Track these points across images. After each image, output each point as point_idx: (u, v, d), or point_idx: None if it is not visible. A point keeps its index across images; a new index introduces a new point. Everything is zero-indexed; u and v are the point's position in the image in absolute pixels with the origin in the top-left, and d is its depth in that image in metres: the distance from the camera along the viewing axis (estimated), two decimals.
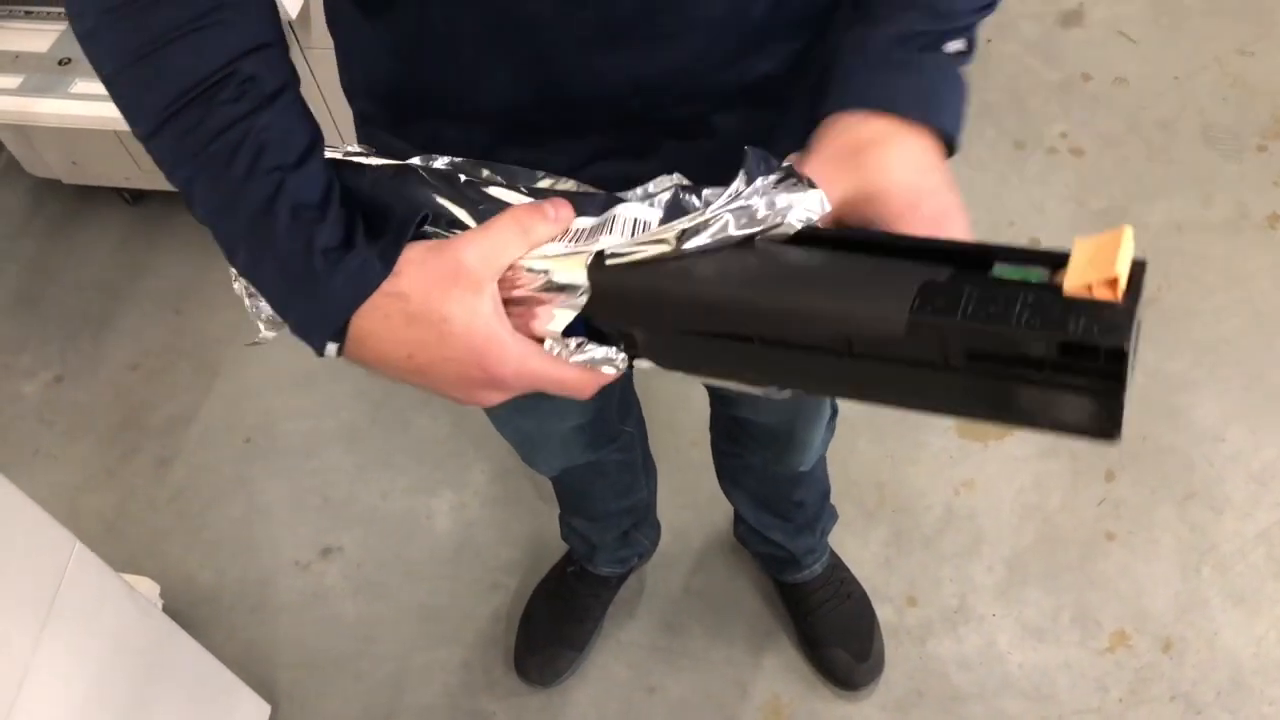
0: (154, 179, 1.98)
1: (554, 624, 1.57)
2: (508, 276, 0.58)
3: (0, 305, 2.05)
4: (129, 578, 1.27)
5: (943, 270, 0.50)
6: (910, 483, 1.71)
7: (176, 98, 0.56)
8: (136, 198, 2.12)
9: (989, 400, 0.50)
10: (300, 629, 1.65)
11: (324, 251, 0.57)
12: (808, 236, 0.56)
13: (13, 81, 1.67)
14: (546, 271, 0.58)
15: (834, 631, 1.53)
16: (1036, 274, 0.49)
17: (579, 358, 0.59)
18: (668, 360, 0.61)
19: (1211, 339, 1.80)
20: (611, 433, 1.23)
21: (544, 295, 0.58)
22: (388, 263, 0.57)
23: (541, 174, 0.67)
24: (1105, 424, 0.48)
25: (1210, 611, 1.57)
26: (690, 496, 1.67)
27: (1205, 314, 1.84)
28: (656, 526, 1.59)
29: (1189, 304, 1.85)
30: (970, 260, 0.50)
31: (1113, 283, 0.46)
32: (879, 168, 0.57)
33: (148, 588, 1.56)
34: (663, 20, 0.63)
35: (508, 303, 0.58)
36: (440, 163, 0.65)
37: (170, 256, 2.06)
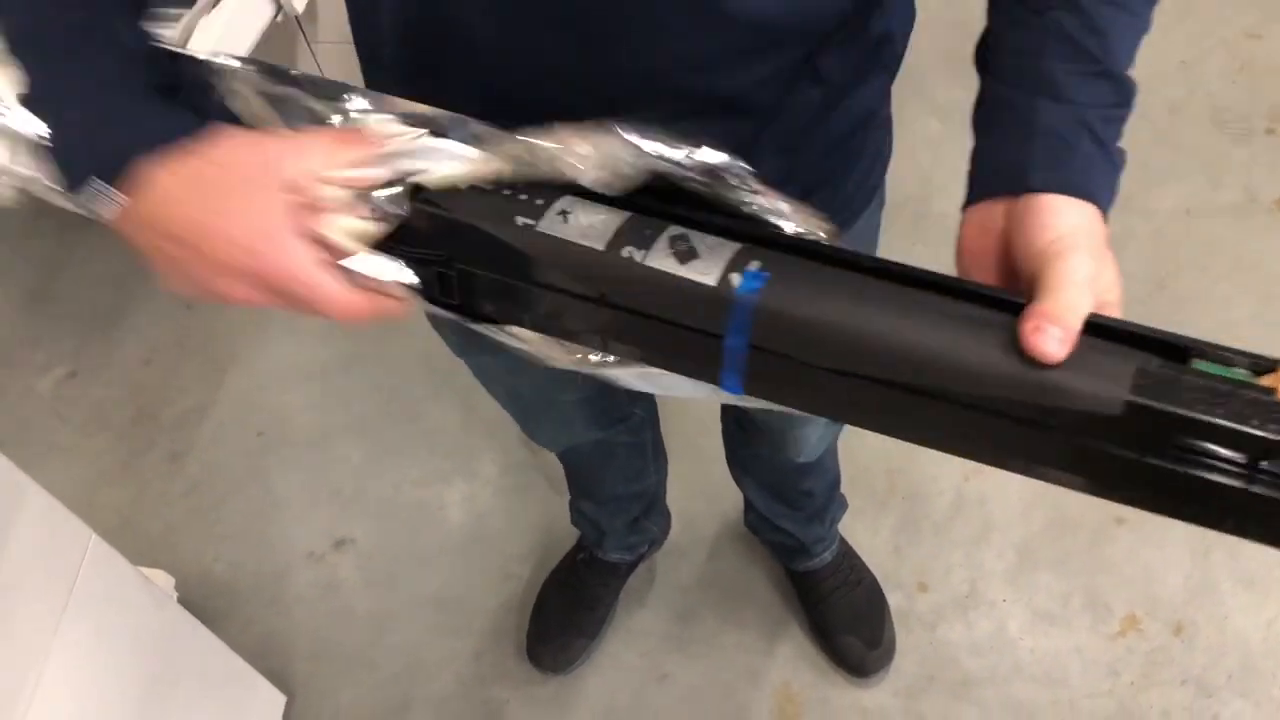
0: None
1: (566, 612, 1.58)
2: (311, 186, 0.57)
3: (14, 302, 2.06)
4: (144, 571, 1.28)
5: (1148, 356, 0.49)
6: (920, 470, 1.72)
7: None
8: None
9: (1173, 492, 0.48)
10: (314, 620, 1.66)
11: (151, 88, 0.58)
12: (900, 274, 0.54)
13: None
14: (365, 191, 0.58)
15: (845, 619, 1.54)
16: (1241, 374, 0.48)
17: (357, 265, 0.57)
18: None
19: (1221, 323, 1.80)
20: (619, 412, 1.23)
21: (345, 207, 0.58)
22: (203, 125, 0.58)
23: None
24: None
25: (1220, 596, 1.57)
26: (701, 486, 1.68)
27: (1214, 298, 1.83)
28: (666, 515, 1.60)
29: (1198, 288, 1.84)
30: (1166, 349, 0.50)
31: None
32: (1044, 220, 0.54)
33: (163, 581, 1.58)
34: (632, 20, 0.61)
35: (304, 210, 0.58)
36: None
37: None
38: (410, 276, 0.59)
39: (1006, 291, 0.53)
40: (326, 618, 1.66)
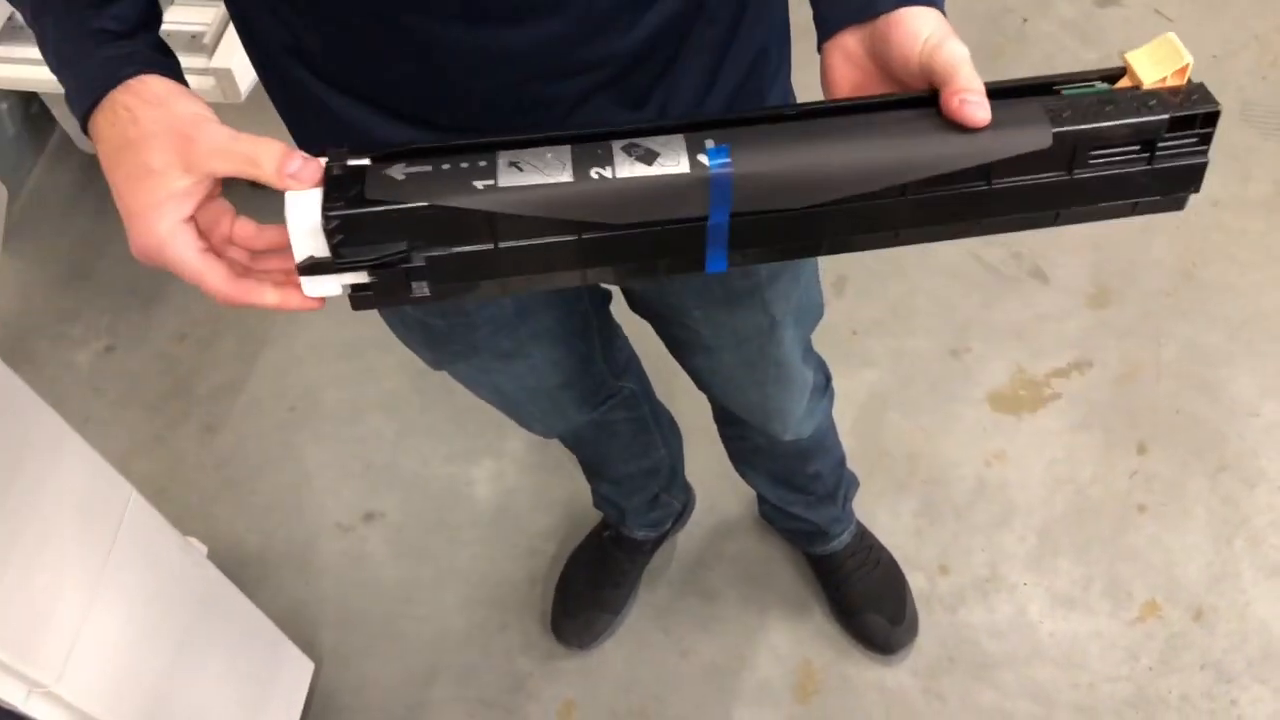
0: None
1: (590, 588, 1.61)
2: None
3: (54, 278, 2.11)
4: None
5: (1029, 98, 0.58)
6: (942, 454, 1.73)
7: None
8: None
9: (1100, 192, 0.59)
10: (343, 590, 1.70)
11: (97, 32, 0.63)
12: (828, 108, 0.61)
13: None
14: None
15: (867, 597, 1.55)
16: (1102, 87, 0.59)
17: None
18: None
19: (1248, 314, 1.81)
20: (605, 390, 1.23)
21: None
22: (143, 68, 0.62)
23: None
24: (1191, 185, 0.60)
25: (1242, 583, 1.58)
26: (723, 464, 1.69)
27: (1243, 289, 1.84)
28: (688, 489, 1.62)
29: (1226, 279, 1.85)
30: (1039, 90, 0.59)
31: (1183, 71, 0.58)
32: (907, 30, 0.60)
33: (196, 548, 1.61)
34: None
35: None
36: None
37: None
38: (348, 281, 0.60)
39: (910, 93, 0.60)
40: (355, 588, 1.70)
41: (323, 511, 1.77)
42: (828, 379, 1.29)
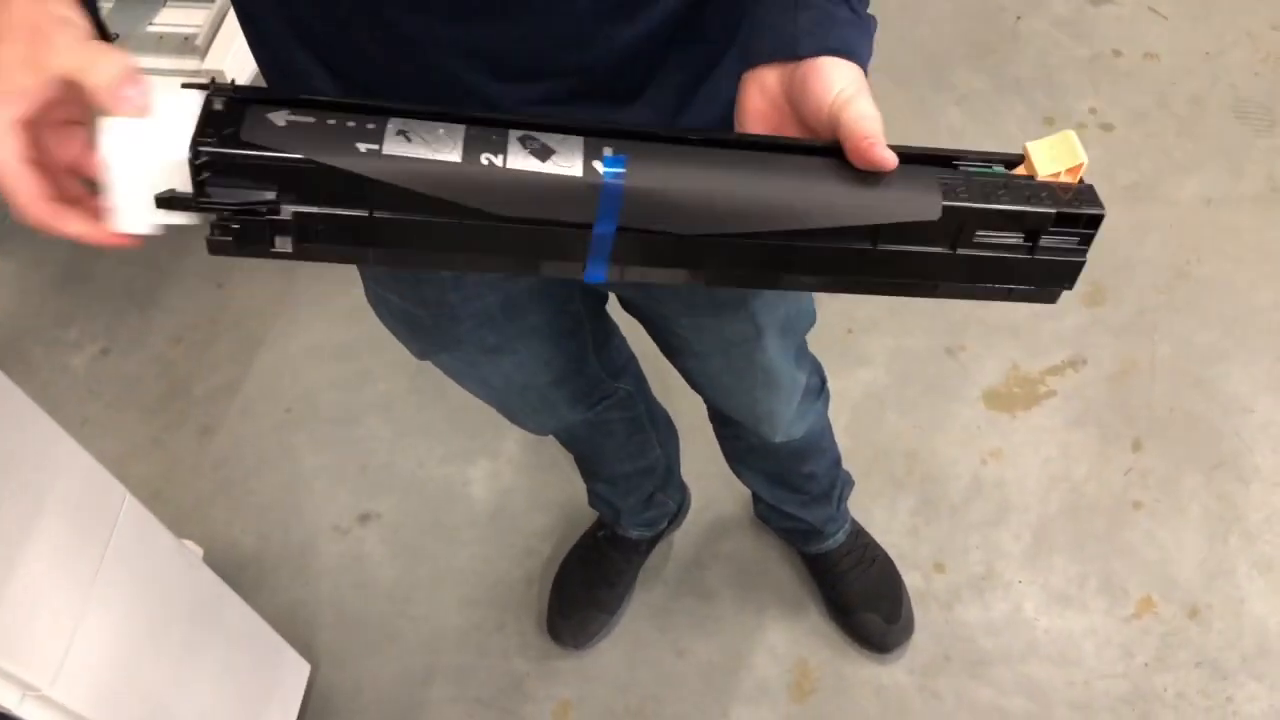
0: None
1: (586, 588, 1.61)
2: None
3: (50, 281, 2.11)
4: None
5: (927, 168, 0.60)
6: (938, 453, 1.73)
7: None
8: None
9: (979, 273, 0.61)
10: (340, 592, 1.70)
11: None
12: (714, 140, 0.60)
13: None
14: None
15: (863, 596, 1.55)
16: (999, 170, 0.61)
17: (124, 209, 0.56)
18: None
19: (1242, 311, 1.81)
20: (599, 390, 1.23)
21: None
22: None
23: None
24: (1066, 281, 0.61)
25: (1237, 579, 1.58)
26: (719, 464, 1.69)
27: (1236, 286, 1.84)
28: (683, 489, 1.62)
29: (1219, 277, 1.85)
30: (938, 161, 0.61)
31: (1077, 169, 0.60)
32: (823, 80, 0.60)
33: (192, 550, 1.61)
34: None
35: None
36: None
37: None
38: (180, 222, 0.56)
39: (817, 141, 0.60)
40: (351, 589, 1.70)
41: (319, 513, 1.78)
42: (823, 381, 1.29)
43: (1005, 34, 2.22)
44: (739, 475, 1.50)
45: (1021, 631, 1.57)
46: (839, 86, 0.59)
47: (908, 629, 1.55)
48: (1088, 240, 0.60)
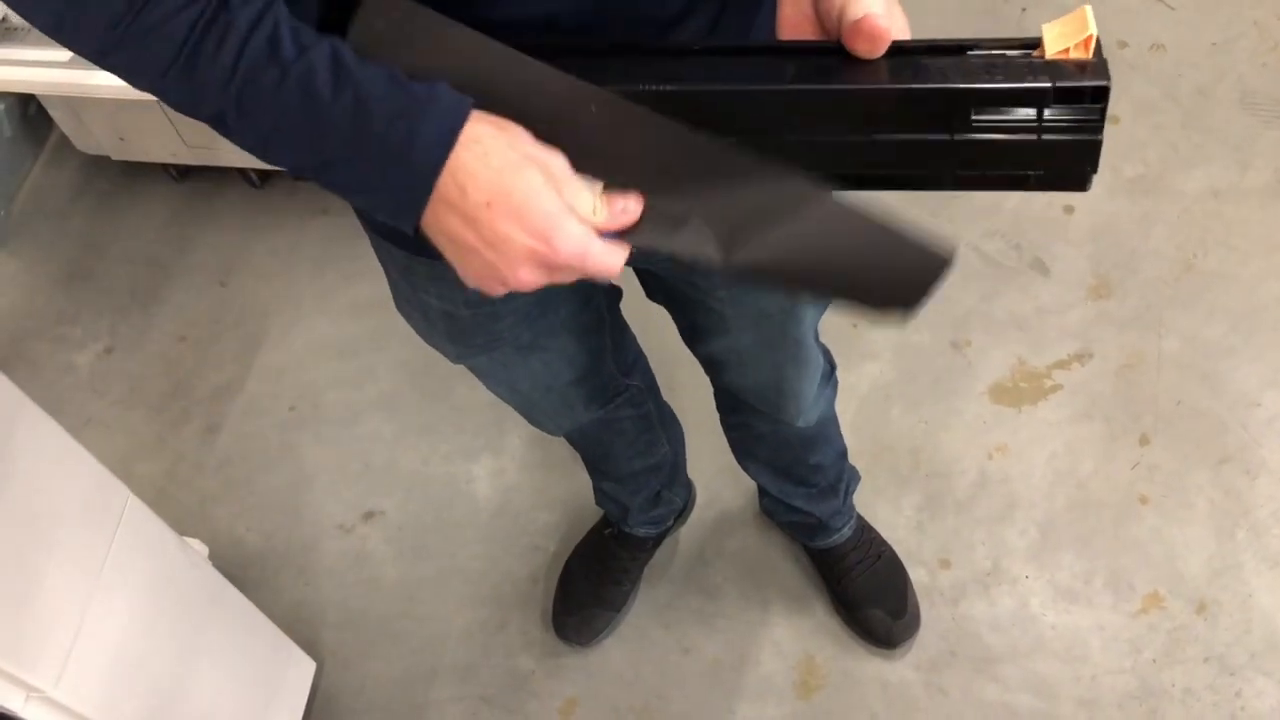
0: (199, 155, 2.03)
1: (591, 585, 1.60)
2: None
3: (53, 279, 2.11)
4: None
5: (938, 57, 0.58)
6: (944, 448, 1.72)
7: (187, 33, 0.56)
8: (183, 174, 2.17)
9: (986, 159, 0.58)
10: (344, 590, 1.69)
11: (394, 76, 0.58)
12: (767, 48, 0.61)
13: (64, 54, 1.72)
14: None
15: (869, 592, 1.55)
16: (1012, 55, 0.58)
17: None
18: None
19: (1249, 305, 1.80)
20: (613, 387, 1.24)
21: None
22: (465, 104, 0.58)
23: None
24: (1087, 167, 0.58)
25: (1244, 575, 1.57)
26: (724, 460, 1.69)
27: (1243, 280, 1.83)
28: (689, 486, 1.61)
29: (1226, 270, 1.84)
30: (951, 51, 0.58)
31: (1087, 42, 0.56)
32: None
33: (197, 549, 1.61)
34: None
35: None
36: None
37: (216, 231, 2.11)
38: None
39: (824, 42, 0.60)
40: (355, 588, 1.70)
41: (323, 511, 1.77)
42: (833, 367, 1.29)
43: (1011, 25, 2.20)
44: (745, 468, 1.49)
45: (1028, 627, 1.56)
46: None
47: (914, 625, 1.55)
48: (1098, 115, 0.56)
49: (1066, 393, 1.75)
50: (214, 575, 1.35)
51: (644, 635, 1.61)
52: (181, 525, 1.72)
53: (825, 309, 1.13)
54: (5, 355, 1.98)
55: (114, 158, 2.13)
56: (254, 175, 2.10)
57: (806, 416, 1.25)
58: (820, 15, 0.61)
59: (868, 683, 1.55)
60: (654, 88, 0.58)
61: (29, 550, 0.97)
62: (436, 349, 1.04)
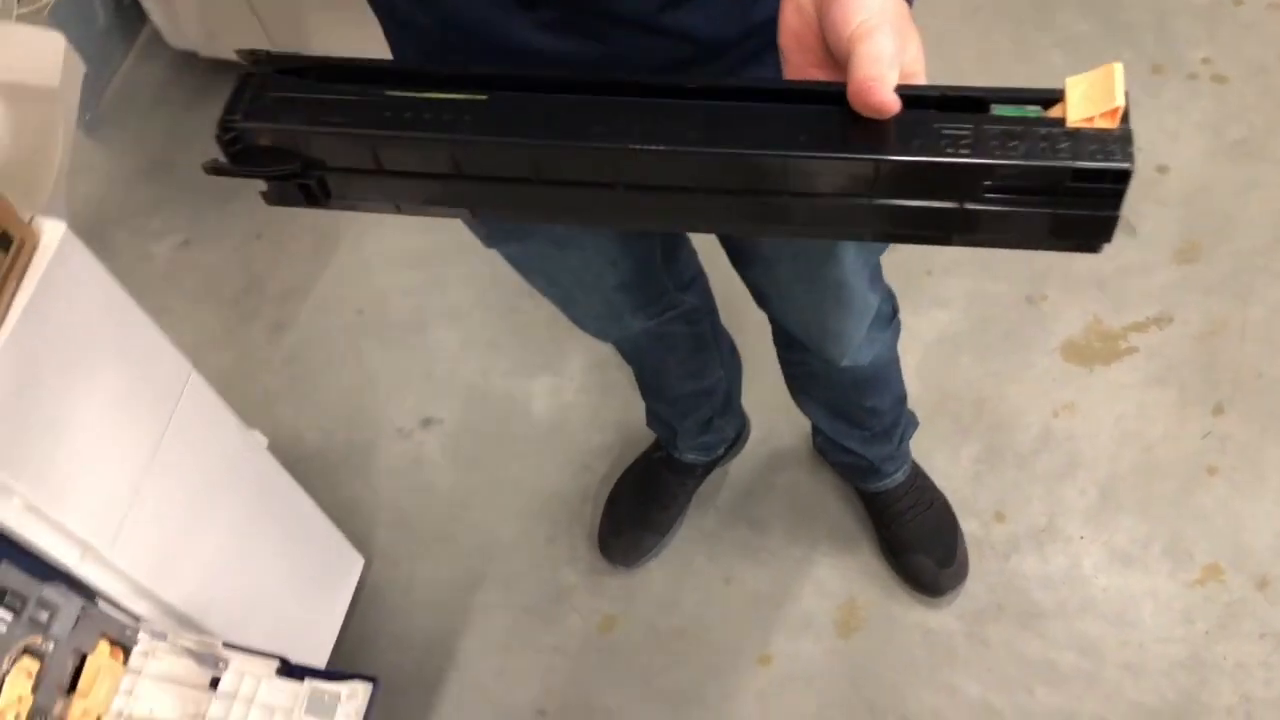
0: None
1: (639, 507, 1.61)
2: None
3: (136, 170, 2.15)
4: None
5: (949, 114, 0.53)
6: (1010, 401, 1.69)
7: None
8: None
9: (992, 227, 0.54)
10: (398, 493, 1.72)
11: None
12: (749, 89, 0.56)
13: None
14: None
15: (917, 538, 1.53)
16: (1034, 111, 0.53)
17: None
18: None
19: None
20: (667, 300, 1.22)
21: None
22: None
23: None
24: (1100, 238, 0.54)
25: None
26: (784, 398, 1.67)
27: None
28: (743, 419, 1.60)
29: None
30: (969, 104, 0.54)
31: (1114, 113, 0.51)
32: (849, 4, 0.54)
33: (257, 439, 1.64)
34: None
35: None
36: None
37: None
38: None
39: (828, 85, 0.55)
40: (409, 491, 1.72)
41: (383, 415, 1.80)
42: (894, 311, 1.25)
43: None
44: (800, 405, 1.47)
45: (1079, 587, 1.53)
46: (863, 15, 0.52)
47: (960, 574, 1.53)
48: (1118, 195, 0.52)
49: (1142, 356, 1.70)
50: (271, 463, 1.37)
51: (687, 562, 1.62)
52: (244, 418, 1.75)
53: (878, 254, 1.10)
54: (86, 240, 2.03)
55: (202, 54, 2.15)
56: None
57: (854, 358, 1.22)
58: (827, 40, 0.55)
59: (909, 628, 1.53)
60: (641, 147, 0.54)
61: (89, 411, 1.00)
62: (470, 229, 1.04)
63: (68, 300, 0.95)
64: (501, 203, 0.61)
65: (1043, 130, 0.52)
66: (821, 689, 1.51)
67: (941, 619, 1.53)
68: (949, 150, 0.52)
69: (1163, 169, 1.86)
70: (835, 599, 1.56)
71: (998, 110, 0.54)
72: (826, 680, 1.52)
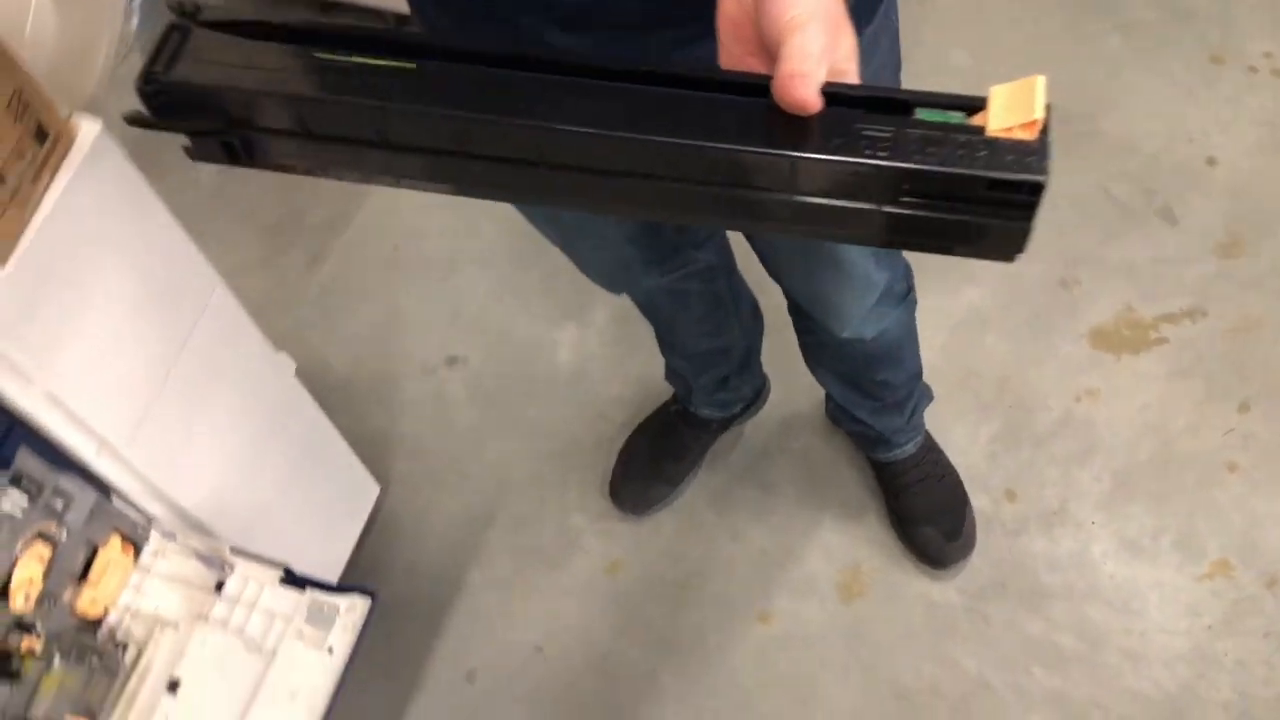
0: None
1: (652, 458, 1.62)
2: None
3: None
4: None
5: (873, 115, 0.53)
6: (1033, 383, 1.68)
7: None
8: (326, 8, 2.21)
9: (907, 230, 0.55)
10: (419, 426, 1.75)
11: None
12: (665, 75, 0.55)
13: None
14: None
15: (925, 510, 1.53)
16: (957, 117, 0.53)
17: None
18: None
19: None
20: (680, 258, 1.22)
21: None
22: None
23: None
24: (1014, 248, 0.54)
25: None
26: (802, 363, 1.69)
27: None
28: (762, 379, 1.61)
29: None
30: (894, 106, 0.54)
31: (1033, 124, 0.51)
32: None
33: (284, 362, 1.68)
34: None
35: None
36: None
37: None
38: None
39: (758, 77, 0.54)
40: (430, 425, 1.75)
41: (410, 350, 1.83)
42: (909, 288, 1.25)
43: None
44: (813, 373, 1.48)
45: (1085, 572, 1.53)
46: (796, 10, 0.51)
47: (966, 549, 1.53)
48: (1031, 207, 0.52)
49: (1171, 347, 1.68)
50: (295, 385, 1.40)
51: (696, 516, 1.63)
52: (275, 342, 1.79)
53: None
54: (135, 154, 2.06)
55: None
56: (390, 17, 2.12)
57: (856, 331, 1.22)
58: (760, 21, 0.53)
59: (911, 599, 1.54)
60: (559, 127, 0.54)
61: (111, 310, 1.02)
62: None
63: (99, 198, 0.98)
64: (427, 174, 0.59)
65: (962, 138, 0.52)
66: (819, 651, 1.52)
67: (944, 592, 1.54)
68: (867, 152, 0.52)
69: (1211, 161, 1.83)
70: (840, 564, 1.57)
71: (921, 114, 0.53)
72: (825, 643, 1.53)
